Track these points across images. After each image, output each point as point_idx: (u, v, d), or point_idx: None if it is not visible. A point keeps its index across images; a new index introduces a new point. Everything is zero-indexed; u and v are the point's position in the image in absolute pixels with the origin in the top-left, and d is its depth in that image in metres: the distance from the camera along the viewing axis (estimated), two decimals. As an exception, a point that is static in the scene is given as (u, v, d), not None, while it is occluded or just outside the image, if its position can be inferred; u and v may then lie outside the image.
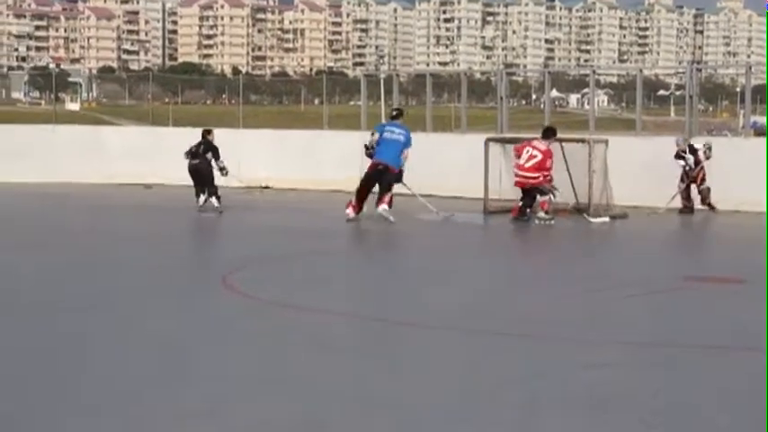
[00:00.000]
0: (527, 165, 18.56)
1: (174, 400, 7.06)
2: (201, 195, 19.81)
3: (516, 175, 18.87)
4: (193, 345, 8.74)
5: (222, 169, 20.01)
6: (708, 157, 19.97)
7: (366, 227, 18.09)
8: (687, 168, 20.01)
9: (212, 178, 19.91)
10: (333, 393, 7.25)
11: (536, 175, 18.45)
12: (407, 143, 18.45)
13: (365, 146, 19.31)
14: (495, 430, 6.53)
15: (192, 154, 20.07)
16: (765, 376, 7.58)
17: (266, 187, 24.60)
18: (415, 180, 22.86)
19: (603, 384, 7.56)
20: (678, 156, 20.13)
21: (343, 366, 8.05)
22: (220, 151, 20.11)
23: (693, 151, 20.12)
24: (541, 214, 18.26)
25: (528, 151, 18.64)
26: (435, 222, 18.40)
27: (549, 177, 18.53)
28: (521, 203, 18.60)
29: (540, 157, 18.51)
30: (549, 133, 19.00)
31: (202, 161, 19.90)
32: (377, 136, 18.62)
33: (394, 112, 19.49)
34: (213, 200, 19.68)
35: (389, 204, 18.18)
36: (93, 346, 8.69)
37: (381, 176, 18.20)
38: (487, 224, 18.99)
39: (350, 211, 18.10)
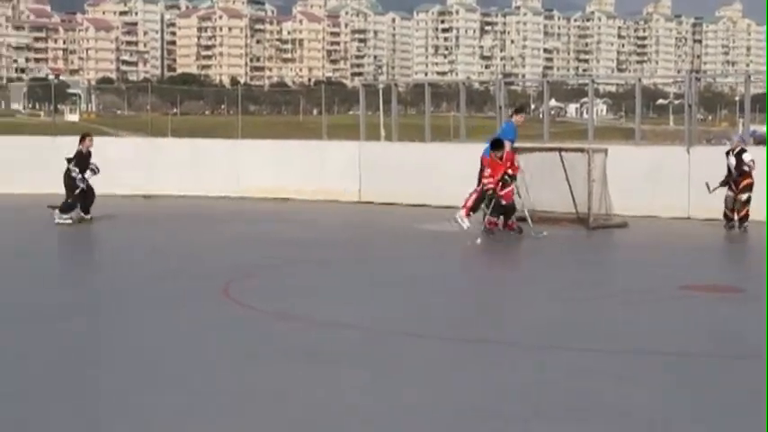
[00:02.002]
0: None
1: (167, 408, 7.04)
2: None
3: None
4: (187, 354, 8.74)
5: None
6: (750, 169, 18.79)
7: (365, 235, 18.08)
8: (730, 173, 18.89)
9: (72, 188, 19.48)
10: (330, 404, 7.24)
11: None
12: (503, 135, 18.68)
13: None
14: (496, 440, 6.52)
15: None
16: (766, 379, 7.58)
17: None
18: (413, 189, 22.91)
19: (598, 394, 7.54)
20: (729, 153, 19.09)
21: (342, 377, 8.03)
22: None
23: (739, 157, 18.88)
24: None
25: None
26: (432, 232, 18.37)
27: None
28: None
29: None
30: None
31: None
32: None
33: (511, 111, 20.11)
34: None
35: (471, 212, 17.95)
36: (89, 353, 8.67)
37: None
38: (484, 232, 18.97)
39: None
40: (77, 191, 19.32)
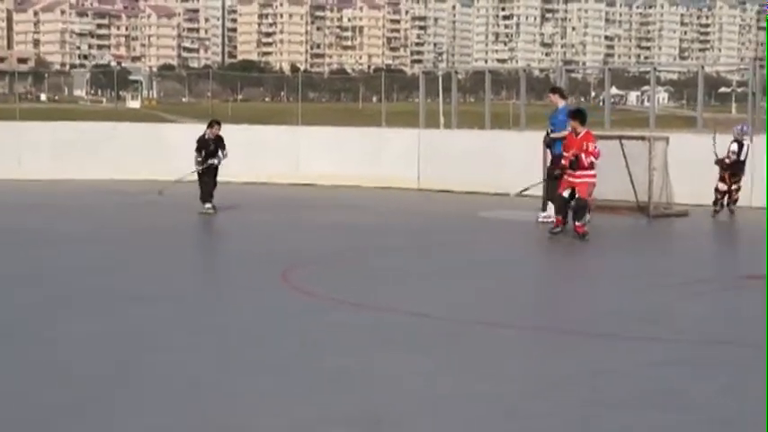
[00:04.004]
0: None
1: (231, 392, 7.10)
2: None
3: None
4: (253, 338, 8.81)
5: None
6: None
7: (426, 222, 18.08)
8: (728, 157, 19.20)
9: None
10: (394, 390, 7.26)
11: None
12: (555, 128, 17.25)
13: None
14: (557, 428, 6.50)
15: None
16: (765, 376, 7.48)
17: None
18: (472, 177, 22.84)
19: (667, 383, 7.49)
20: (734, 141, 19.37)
21: (405, 363, 8.05)
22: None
23: (740, 146, 19.24)
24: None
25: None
26: (494, 219, 18.32)
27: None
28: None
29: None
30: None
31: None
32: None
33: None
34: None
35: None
36: (154, 337, 8.77)
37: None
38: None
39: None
40: (192, 171, 19.25)
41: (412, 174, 24.36)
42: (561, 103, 17.84)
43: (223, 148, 19.25)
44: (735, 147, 19.16)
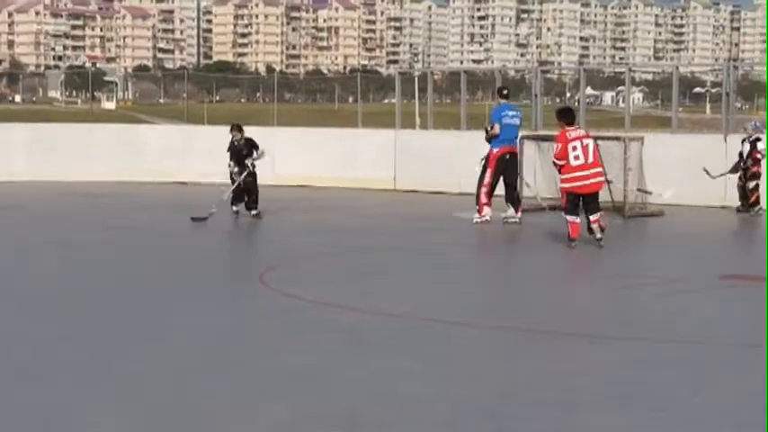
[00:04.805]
0: (591, 159, 14.46)
1: (208, 393, 7.09)
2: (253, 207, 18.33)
3: (583, 179, 14.41)
4: (230, 339, 8.80)
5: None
6: (762, 157, 19.37)
7: (395, 224, 18.09)
8: (741, 160, 19.50)
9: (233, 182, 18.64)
10: (370, 391, 7.27)
11: (601, 168, 15.02)
12: (520, 125, 17.95)
13: (485, 130, 18.10)
14: (533, 428, 6.52)
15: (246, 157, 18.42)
16: (765, 375, 7.53)
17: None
18: (451, 178, 22.86)
19: (641, 382, 7.53)
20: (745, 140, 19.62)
21: (381, 364, 8.05)
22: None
23: (753, 145, 19.46)
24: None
25: (579, 145, 14.38)
26: (469, 220, 18.35)
27: None
28: (579, 219, 14.51)
29: (592, 142, 14.70)
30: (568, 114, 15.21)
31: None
32: (497, 128, 17.49)
33: (505, 91, 18.48)
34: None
35: (518, 209, 17.64)
36: (127, 340, 8.74)
37: (508, 165, 17.65)
38: (522, 222, 18.93)
39: (487, 211, 17.38)
40: (234, 186, 18.37)
41: (388, 174, 24.37)
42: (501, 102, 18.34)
43: (257, 147, 18.50)
44: (761, 145, 19.40)
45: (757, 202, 19.35)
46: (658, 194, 18.79)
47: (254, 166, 18.46)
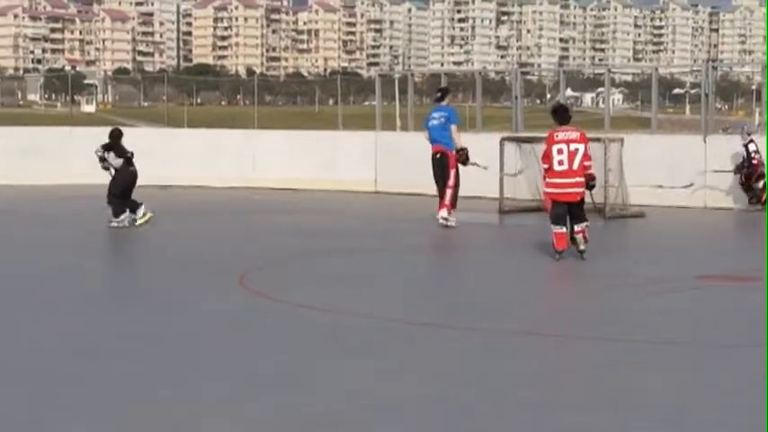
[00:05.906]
0: (575, 167, 13.74)
1: (187, 397, 7.08)
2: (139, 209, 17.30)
3: (563, 186, 13.76)
4: (209, 341, 8.78)
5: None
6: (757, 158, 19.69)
7: (376, 226, 18.09)
8: (742, 162, 19.80)
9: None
10: (350, 392, 7.26)
11: (582, 178, 13.93)
12: (450, 119, 17.62)
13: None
14: (515, 429, 6.53)
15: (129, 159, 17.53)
16: (765, 374, 7.56)
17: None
18: (430, 179, 22.84)
19: (624, 382, 7.55)
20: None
21: (361, 366, 8.05)
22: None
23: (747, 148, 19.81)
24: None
25: (565, 149, 13.76)
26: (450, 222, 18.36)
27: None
28: (564, 229, 13.80)
29: (582, 148, 13.89)
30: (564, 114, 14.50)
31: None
32: (426, 133, 17.89)
33: (437, 94, 18.58)
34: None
35: (452, 206, 17.31)
36: (98, 342, 8.72)
37: (440, 164, 17.57)
38: (502, 224, 18.96)
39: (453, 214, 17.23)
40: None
41: (369, 176, 24.34)
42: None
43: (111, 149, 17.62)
44: (752, 147, 19.72)
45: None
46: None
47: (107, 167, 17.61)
